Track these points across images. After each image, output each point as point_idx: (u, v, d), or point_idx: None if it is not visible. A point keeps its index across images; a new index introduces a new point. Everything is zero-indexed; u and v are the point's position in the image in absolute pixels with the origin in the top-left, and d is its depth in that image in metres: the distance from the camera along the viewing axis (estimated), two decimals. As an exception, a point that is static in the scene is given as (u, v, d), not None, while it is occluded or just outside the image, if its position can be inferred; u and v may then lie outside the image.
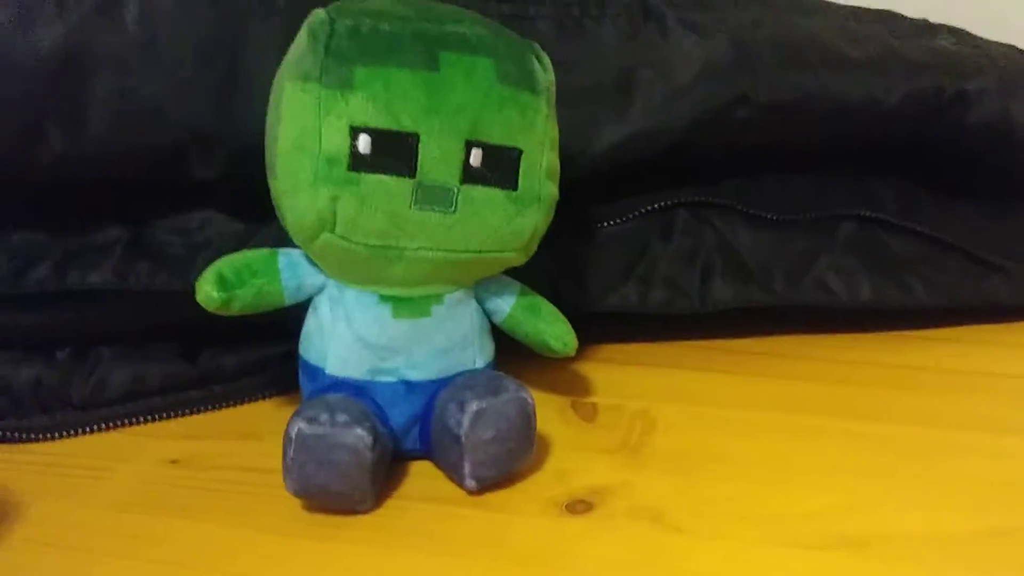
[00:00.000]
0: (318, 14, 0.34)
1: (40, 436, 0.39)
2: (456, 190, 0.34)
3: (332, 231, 0.33)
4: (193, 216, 0.41)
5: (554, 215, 0.37)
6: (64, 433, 0.39)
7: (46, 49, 0.36)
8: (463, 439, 0.34)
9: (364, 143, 0.33)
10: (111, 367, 0.41)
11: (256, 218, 0.40)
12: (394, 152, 0.33)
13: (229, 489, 0.36)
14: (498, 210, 0.35)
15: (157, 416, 0.41)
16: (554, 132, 0.37)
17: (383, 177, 0.33)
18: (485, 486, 0.35)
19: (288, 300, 0.36)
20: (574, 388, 0.44)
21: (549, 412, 0.42)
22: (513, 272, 0.38)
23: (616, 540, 0.33)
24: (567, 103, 0.41)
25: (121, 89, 0.37)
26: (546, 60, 0.37)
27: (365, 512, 0.34)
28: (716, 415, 0.42)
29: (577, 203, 0.46)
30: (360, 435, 0.32)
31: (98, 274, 0.39)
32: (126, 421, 0.40)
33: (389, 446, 0.35)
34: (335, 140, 0.33)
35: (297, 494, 0.33)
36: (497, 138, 0.34)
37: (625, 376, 0.46)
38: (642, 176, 0.48)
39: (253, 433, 0.39)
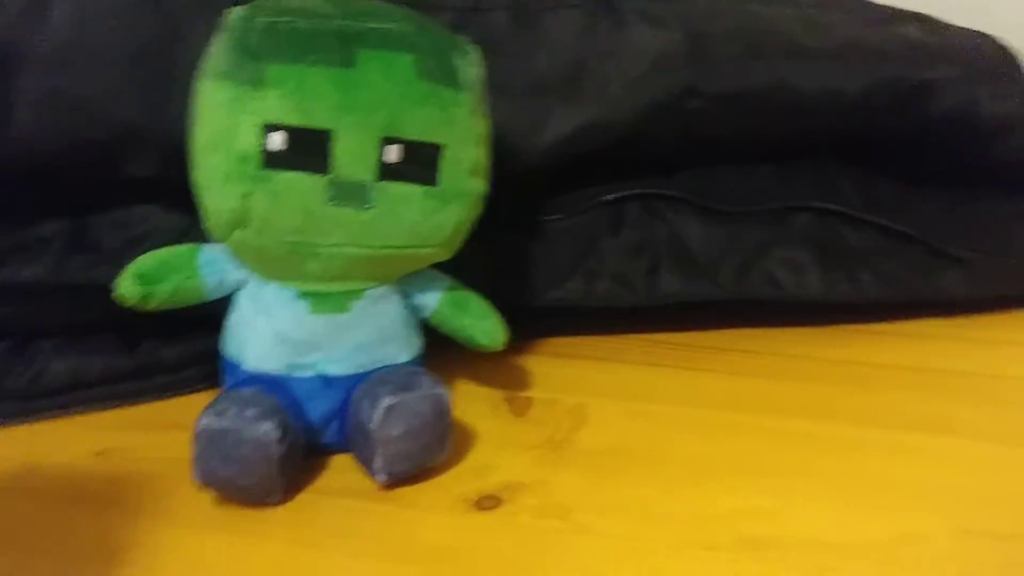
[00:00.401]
0: (236, 11, 0.34)
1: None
2: (371, 186, 0.34)
3: (245, 228, 0.34)
4: (133, 210, 0.42)
5: (502, 209, 0.37)
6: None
7: None
8: (374, 434, 0.34)
9: (276, 140, 0.33)
10: (50, 359, 0.41)
11: (196, 212, 0.40)
12: (307, 149, 0.33)
13: (148, 482, 0.36)
14: (415, 206, 0.35)
15: (94, 407, 0.41)
16: (481, 127, 0.36)
17: (296, 174, 0.33)
18: (397, 480, 0.35)
19: (208, 296, 0.37)
20: (512, 382, 0.44)
21: (481, 406, 0.42)
22: (453, 267, 0.38)
23: (517, 538, 0.33)
24: (519, 94, 0.40)
25: (51, 87, 0.37)
26: (473, 55, 0.37)
27: (274, 505, 0.34)
28: (649, 411, 0.42)
29: (527, 196, 0.47)
30: (267, 429, 0.33)
31: (33, 269, 0.40)
32: (63, 412, 0.41)
33: (301, 440, 0.35)
34: (247, 138, 0.33)
35: (204, 487, 0.34)
36: (415, 134, 0.34)
37: (566, 370, 0.45)
38: (595, 170, 0.47)
39: (185, 424, 0.39)
